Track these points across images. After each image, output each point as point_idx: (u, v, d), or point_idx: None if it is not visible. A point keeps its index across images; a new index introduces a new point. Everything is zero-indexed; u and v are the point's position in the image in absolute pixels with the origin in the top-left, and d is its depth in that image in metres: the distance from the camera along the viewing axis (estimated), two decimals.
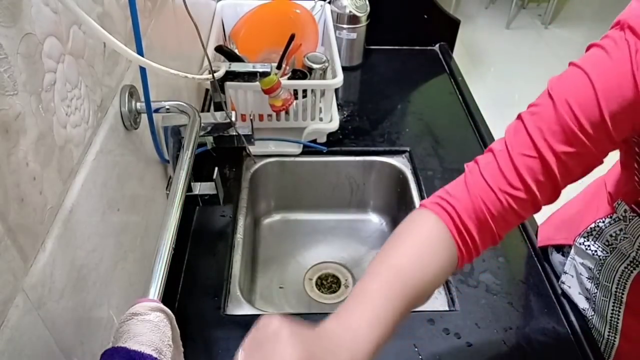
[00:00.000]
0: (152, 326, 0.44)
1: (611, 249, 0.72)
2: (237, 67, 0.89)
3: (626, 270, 0.70)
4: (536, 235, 0.90)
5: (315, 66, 1.07)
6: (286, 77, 1.04)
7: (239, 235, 0.92)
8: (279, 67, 1.05)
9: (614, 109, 0.50)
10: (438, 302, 0.82)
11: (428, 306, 0.81)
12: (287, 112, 1.02)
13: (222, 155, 1.01)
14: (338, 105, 1.18)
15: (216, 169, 0.82)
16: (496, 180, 0.54)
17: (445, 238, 0.54)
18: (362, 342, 0.46)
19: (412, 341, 0.75)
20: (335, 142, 1.10)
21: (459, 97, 1.27)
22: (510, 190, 0.53)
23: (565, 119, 0.51)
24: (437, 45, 1.46)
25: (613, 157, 0.63)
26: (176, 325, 0.49)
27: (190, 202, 0.83)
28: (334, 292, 1.04)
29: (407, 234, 0.56)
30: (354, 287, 0.51)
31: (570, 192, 0.64)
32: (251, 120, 0.86)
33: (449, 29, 1.45)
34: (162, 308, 0.46)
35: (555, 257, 0.84)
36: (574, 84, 0.52)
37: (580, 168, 0.53)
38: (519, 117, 0.55)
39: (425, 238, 0.54)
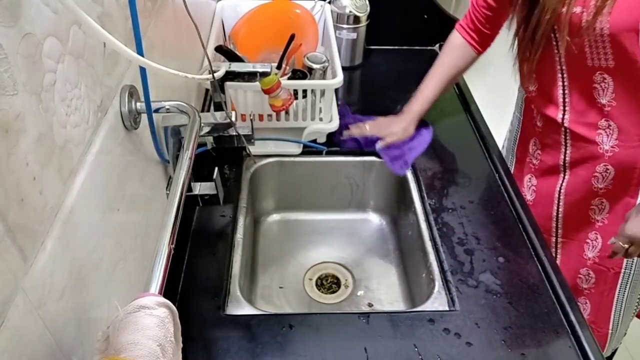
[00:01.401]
0: (158, 321, 0.44)
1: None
2: (237, 67, 0.89)
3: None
4: (536, 233, 0.90)
5: (315, 66, 1.07)
6: (286, 77, 1.04)
7: (239, 235, 0.92)
8: (279, 67, 1.05)
9: None
10: (438, 302, 0.82)
11: (428, 306, 0.82)
12: (287, 112, 1.02)
13: (222, 155, 1.01)
14: (338, 105, 1.17)
15: (216, 169, 0.82)
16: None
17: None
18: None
19: (412, 341, 0.75)
20: (335, 142, 1.10)
21: (459, 97, 1.27)
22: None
23: None
24: (437, 45, 1.46)
25: None
26: (178, 322, 0.49)
27: (190, 202, 0.83)
28: (334, 292, 1.04)
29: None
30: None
31: None
32: (251, 120, 0.86)
33: (449, 29, 1.44)
34: (168, 304, 0.46)
35: None
36: None
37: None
38: None
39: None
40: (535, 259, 0.87)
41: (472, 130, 1.17)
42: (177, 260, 0.84)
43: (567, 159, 1.00)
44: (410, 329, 0.77)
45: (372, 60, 1.41)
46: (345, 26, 1.30)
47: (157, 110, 0.69)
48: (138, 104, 0.65)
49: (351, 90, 1.32)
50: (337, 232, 1.16)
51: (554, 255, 1.06)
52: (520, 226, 0.93)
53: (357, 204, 1.18)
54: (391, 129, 1.10)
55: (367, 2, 1.30)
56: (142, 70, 0.62)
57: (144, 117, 0.68)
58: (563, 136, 0.99)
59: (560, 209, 1.05)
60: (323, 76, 1.09)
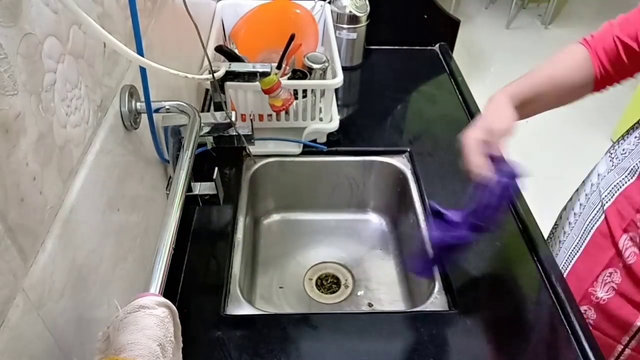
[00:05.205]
0: (158, 321, 0.44)
1: None
2: (237, 67, 0.89)
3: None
4: (536, 233, 0.90)
5: (315, 66, 1.07)
6: (286, 77, 1.04)
7: (239, 235, 0.92)
8: (279, 67, 1.05)
9: None
10: (438, 302, 0.82)
11: (428, 306, 0.81)
12: (287, 112, 1.02)
13: (222, 155, 1.01)
14: (338, 105, 1.18)
15: (216, 169, 0.82)
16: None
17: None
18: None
19: (412, 341, 0.75)
20: (335, 142, 1.10)
21: (459, 97, 1.27)
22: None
23: None
24: (437, 45, 1.46)
25: None
26: (178, 322, 0.49)
27: (190, 202, 0.83)
28: (334, 292, 1.04)
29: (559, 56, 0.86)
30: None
31: None
32: (251, 120, 0.86)
33: (449, 29, 1.45)
34: (168, 303, 0.47)
35: None
36: None
37: None
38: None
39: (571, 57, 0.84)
40: (535, 258, 0.87)
41: None
42: (177, 260, 0.84)
43: None
44: (410, 329, 0.77)
45: (371, 60, 1.41)
46: (345, 26, 1.30)
47: (157, 110, 0.69)
48: (138, 104, 0.65)
49: (351, 90, 1.32)
50: (337, 232, 1.16)
51: None
52: (519, 225, 0.93)
53: (357, 204, 1.18)
54: (502, 123, 0.74)
55: (367, 2, 1.30)
56: (142, 70, 0.62)
57: (144, 117, 0.68)
58: None
59: None
60: (323, 76, 1.09)
